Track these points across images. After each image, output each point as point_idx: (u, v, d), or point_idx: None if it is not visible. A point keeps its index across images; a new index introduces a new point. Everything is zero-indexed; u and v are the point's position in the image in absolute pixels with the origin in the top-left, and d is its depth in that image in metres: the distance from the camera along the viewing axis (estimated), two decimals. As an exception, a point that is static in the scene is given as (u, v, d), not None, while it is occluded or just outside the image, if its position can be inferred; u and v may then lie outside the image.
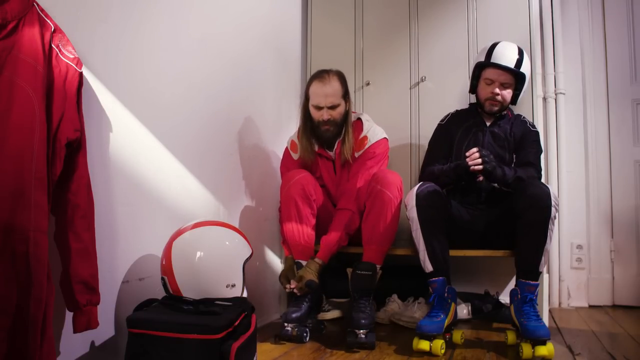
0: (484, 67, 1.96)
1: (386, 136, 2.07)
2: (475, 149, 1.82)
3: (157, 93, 1.55)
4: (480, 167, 1.79)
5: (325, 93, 1.95)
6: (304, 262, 1.92)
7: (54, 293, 1.05)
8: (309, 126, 2.05)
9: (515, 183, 1.84)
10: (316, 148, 2.08)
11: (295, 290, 1.84)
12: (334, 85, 1.97)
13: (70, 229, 1.13)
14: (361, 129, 2.06)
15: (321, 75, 1.99)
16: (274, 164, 2.32)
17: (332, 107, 1.97)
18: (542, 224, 1.66)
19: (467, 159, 1.82)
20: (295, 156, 2.12)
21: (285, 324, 1.80)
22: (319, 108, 1.98)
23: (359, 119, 2.09)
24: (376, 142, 2.03)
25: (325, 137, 2.03)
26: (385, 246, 1.90)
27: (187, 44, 1.72)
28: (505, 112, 2.02)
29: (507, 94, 1.95)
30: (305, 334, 1.80)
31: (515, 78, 1.94)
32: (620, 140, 2.71)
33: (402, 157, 2.45)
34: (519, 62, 1.91)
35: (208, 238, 1.42)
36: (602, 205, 2.70)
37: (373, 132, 2.05)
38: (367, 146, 2.02)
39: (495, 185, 1.90)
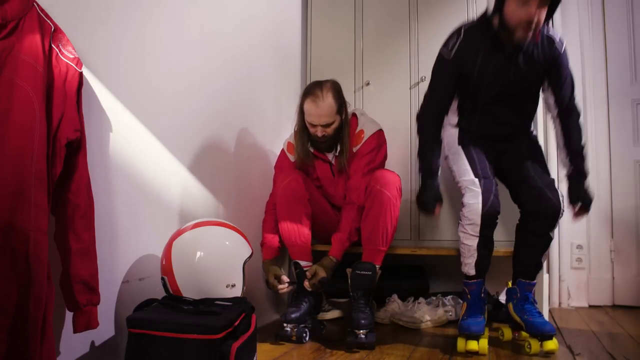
0: None
1: (380, 127, 2.06)
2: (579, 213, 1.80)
3: (157, 93, 1.55)
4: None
5: (319, 114, 1.91)
6: (302, 262, 1.92)
7: (54, 293, 1.05)
8: (306, 133, 2.04)
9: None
10: (312, 150, 2.08)
11: (308, 287, 1.85)
12: (328, 103, 1.90)
13: (70, 229, 1.13)
14: (356, 124, 2.06)
15: (314, 92, 1.91)
16: (273, 163, 2.32)
17: (326, 125, 1.94)
18: (549, 234, 1.71)
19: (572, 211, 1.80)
20: (292, 157, 2.12)
21: (285, 324, 1.80)
22: (312, 125, 1.96)
23: (354, 115, 2.09)
24: (372, 135, 2.02)
25: (322, 148, 2.04)
26: (385, 246, 1.90)
27: (187, 44, 1.72)
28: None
29: (544, 15, 1.56)
30: (305, 334, 1.80)
31: None
32: (620, 140, 2.71)
33: (402, 157, 2.44)
34: None
35: (208, 238, 1.42)
36: (602, 205, 2.69)
37: (368, 125, 2.04)
38: (364, 140, 2.02)
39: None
